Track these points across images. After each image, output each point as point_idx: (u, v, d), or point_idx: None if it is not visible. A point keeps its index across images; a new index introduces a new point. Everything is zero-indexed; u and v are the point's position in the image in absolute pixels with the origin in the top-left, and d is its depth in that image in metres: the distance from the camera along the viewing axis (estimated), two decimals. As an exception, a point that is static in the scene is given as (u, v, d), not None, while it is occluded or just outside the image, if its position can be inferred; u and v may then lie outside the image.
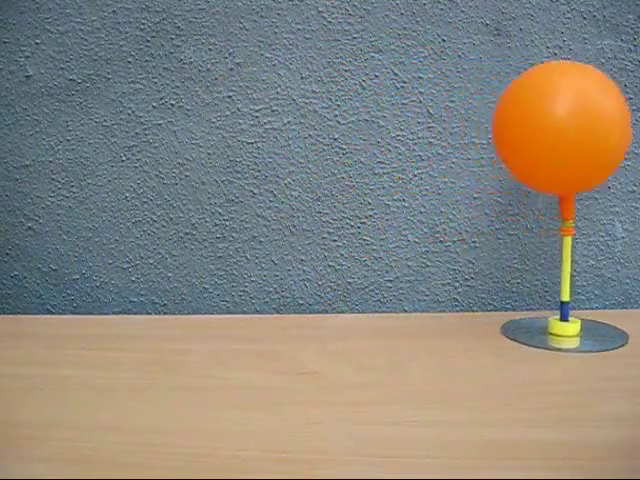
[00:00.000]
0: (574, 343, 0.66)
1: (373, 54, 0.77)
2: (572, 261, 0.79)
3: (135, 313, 0.81)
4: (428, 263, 0.80)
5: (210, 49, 0.78)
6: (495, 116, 0.63)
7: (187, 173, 0.79)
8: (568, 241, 0.67)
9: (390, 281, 0.80)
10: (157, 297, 0.81)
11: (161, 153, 0.79)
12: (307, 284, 0.80)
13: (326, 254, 0.80)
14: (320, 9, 0.77)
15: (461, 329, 0.71)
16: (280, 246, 0.80)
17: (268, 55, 0.77)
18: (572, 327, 0.68)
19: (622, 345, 0.65)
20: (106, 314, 0.81)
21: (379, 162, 0.78)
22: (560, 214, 0.66)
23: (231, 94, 0.78)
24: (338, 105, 0.78)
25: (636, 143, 0.78)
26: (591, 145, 0.57)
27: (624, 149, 0.60)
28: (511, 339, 0.67)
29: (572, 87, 0.59)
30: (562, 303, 0.68)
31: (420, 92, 0.77)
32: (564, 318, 0.68)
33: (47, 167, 0.80)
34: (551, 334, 0.68)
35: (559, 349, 0.64)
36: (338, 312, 0.80)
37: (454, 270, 0.80)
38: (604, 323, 0.72)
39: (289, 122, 0.78)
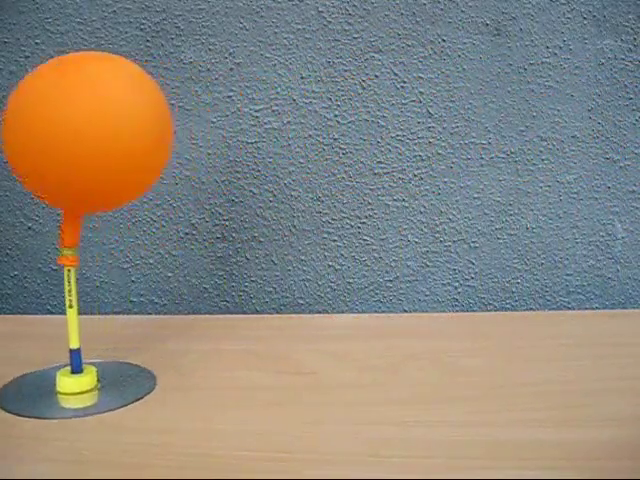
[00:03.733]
0: (87, 401, 0.53)
1: (373, 54, 0.77)
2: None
3: (135, 313, 0.81)
4: (428, 263, 0.80)
5: (210, 49, 0.78)
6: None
7: (187, 173, 0.79)
8: (74, 274, 0.54)
9: (390, 281, 0.80)
10: (157, 297, 0.81)
11: (161, 153, 0.79)
12: (307, 284, 0.80)
13: (326, 254, 0.80)
14: (320, 9, 0.77)
15: (461, 329, 0.71)
16: (280, 246, 0.80)
17: (268, 55, 0.77)
18: (83, 380, 0.54)
19: (147, 392, 0.55)
20: (106, 314, 0.81)
21: (379, 162, 0.78)
22: (62, 239, 0.54)
23: (231, 94, 0.78)
24: (338, 105, 0.78)
25: (636, 143, 0.78)
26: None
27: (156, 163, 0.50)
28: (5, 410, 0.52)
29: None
30: (71, 351, 0.55)
31: (420, 92, 0.77)
32: (76, 369, 0.55)
33: (47, 167, 0.80)
34: (59, 393, 0.54)
35: (62, 416, 0.51)
36: (338, 312, 0.80)
37: (454, 270, 0.80)
38: (128, 364, 0.60)
39: (289, 122, 0.78)
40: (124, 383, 0.56)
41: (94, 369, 0.56)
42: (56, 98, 0.47)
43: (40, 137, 0.46)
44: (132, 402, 0.53)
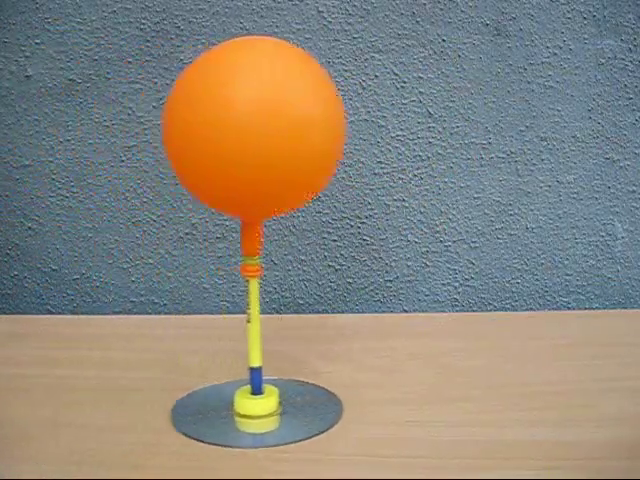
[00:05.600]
0: (269, 426, 0.48)
1: (373, 54, 0.77)
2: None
3: (135, 313, 0.81)
4: (428, 263, 0.80)
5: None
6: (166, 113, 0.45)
7: (187, 173, 0.79)
8: (254, 285, 0.50)
9: (390, 281, 0.80)
10: (157, 297, 0.81)
11: (161, 153, 0.79)
12: (307, 284, 0.80)
13: (326, 254, 0.80)
14: (320, 9, 0.77)
15: (461, 329, 0.71)
16: (280, 246, 0.80)
17: (268, 55, 0.77)
18: (264, 403, 0.49)
19: (333, 425, 0.49)
20: (106, 314, 0.81)
21: (379, 162, 0.78)
22: (241, 247, 0.49)
23: (231, 94, 0.78)
24: (338, 105, 0.78)
25: (636, 143, 0.78)
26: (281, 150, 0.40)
27: (334, 157, 0.44)
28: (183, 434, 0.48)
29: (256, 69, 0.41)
30: (251, 369, 0.50)
31: (420, 92, 0.77)
32: (256, 391, 0.50)
33: (47, 167, 0.80)
34: (238, 414, 0.50)
35: (240, 444, 0.46)
36: (338, 312, 0.80)
37: (454, 270, 0.80)
38: (312, 384, 0.55)
39: (289, 122, 0.78)
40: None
41: (276, 390, 0.50)
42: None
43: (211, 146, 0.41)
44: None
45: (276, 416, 0.50)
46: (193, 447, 0.46)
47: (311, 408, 0.51)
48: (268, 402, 0.50)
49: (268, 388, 0.51)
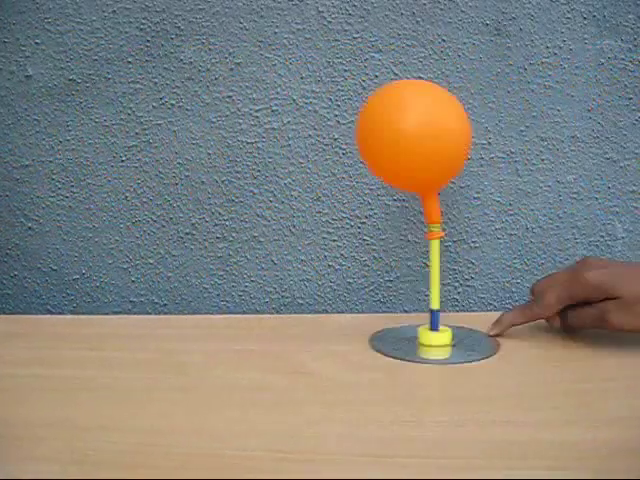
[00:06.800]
0: (444, 354, 0.64)
1: (373, 54, 0.77)
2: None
3: (135, 313, 0.81)
4: (428, 263, 0.80)
5: (210, 49, 0.78)
6: (359, 127, 0.65)
7: (187, 173, 0.79)
8: (436, 245, 0.65)
9: (390, 281, 0.80)
10: (157, 297, 0.81)
11: (161, 153, 0.79)
12: (307, 284, 0.80)
13: (326, 254, 0.80)
14: (320, 9, 0.77)
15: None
16: (280, 246, 0.80)
17: (268, 55, 0.77)
18: (442, 337, 0.65)
19: (491, 355, 0.63)
20: (106, 314, 0.81)
21: (379, 162, 0.78)
22: (425, 217, 0.65)
23: (231, 94, 0.78)
24: (338, 105, 0.78)
25: (636, 143, 0.78)
26: (436, 151, 0.61)
27: (465, 153, 0.65)
28: (377, 351, 0.64)
29: (421, 103, 0.63)
30: (432, 311, 0.65)
31: (420, 92, 0.77)
32: (434, 327, 0.65)
33: (47, 167, 0.80)
34: (421, 344, 0.65)
35: (428, 360, 0.62)
36: (338, 312, 0.80)
37: (454, 270, 0.80)
38: (477, 330, 0.69)
39: (289, 122, 0.78)
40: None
41: (449, 329, 0.66)
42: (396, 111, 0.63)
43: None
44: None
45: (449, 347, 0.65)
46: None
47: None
48: (444, 335, 0.66)
49: (442, 328, 0.66)
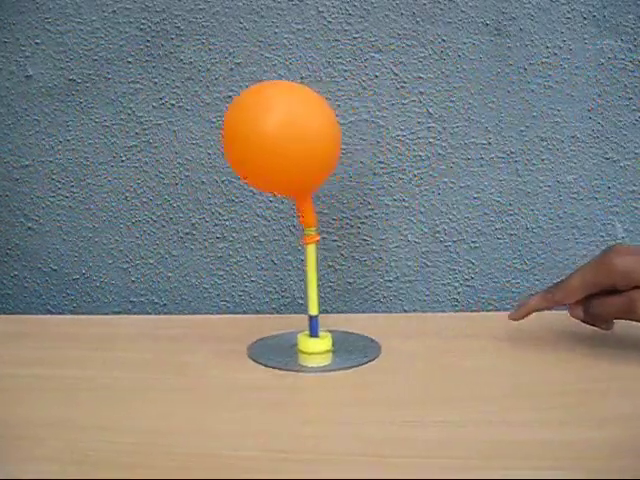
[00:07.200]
0: (325, 360, 0.62)
1: (373, 54, 0.77)
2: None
3: (135, 313, 0.81)
4: (428, 263, 0.80)
5: (210, 49, 0.78)
6: (224, 131, 0.62)
7: (187, 173, 0.79)
8: (311, 249, 0.63)
9: (390, 281, 0.80)
10: (157, 297, 0.81)
11: (161, 153, 0.79)
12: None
13: (326, 254, 0.80)
14: (320, 9, 0.77)
15: (461, 329, 0.71)
16: (280, 246, 0.80)
17: (268, 55, 0.77)
18: (322, 343, 0.64)
19: (374, 358, 0.62)
20: (106, 314, 0.81)
21: (379, 162, 0.78)
22: (300, 220, 0.64)
23: (231, 94, 0.78)
24: (338, 105, 0.78)
25: (636, 143, 0.78)
26: (301, 153, 0.59)
27: (335, 155, 0.63)
28: (255, 361, 0.62)
29: (284, 103, 0.60)
30: (310, 317, 0.64)
31: (420, 92, 0.77)
32: (314, 333, 0.64)
33: (47, 167, 0.80)
34: (301, 352, 0.64)
35: (308, 368, 0.61)
36: (338, 312, 0.80)
37: (454, 270, 0.80)
38: (357, 334, 0.68)
39: (289, 122, 0.78)
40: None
41: (329, 335, 0.65)
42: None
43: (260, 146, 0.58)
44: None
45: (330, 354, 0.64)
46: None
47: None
48: (324, 341, 0.64)
49: (322, 333, 0.65)
